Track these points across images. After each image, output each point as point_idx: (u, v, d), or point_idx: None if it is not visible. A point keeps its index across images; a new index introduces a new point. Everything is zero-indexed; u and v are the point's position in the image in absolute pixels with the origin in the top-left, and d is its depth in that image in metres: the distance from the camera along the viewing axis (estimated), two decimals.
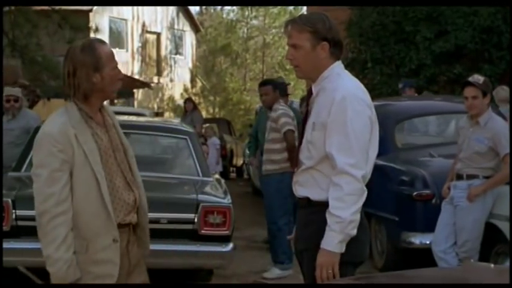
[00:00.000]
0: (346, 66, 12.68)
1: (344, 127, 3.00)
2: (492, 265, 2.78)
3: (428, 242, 6.07)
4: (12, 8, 13.46)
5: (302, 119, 3.30)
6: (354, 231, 3.01)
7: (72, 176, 3.00)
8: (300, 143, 3.22)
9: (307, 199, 3.12)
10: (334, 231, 2.97)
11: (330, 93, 3.08)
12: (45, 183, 2.98)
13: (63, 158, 2.98)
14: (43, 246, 3.00)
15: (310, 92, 3.24)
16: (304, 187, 3.15)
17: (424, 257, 5.87)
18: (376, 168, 8.23)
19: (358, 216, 3.01)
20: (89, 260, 3.03)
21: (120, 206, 3.10)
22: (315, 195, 3.11)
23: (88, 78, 3.02)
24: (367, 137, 3.07)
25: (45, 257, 3.00)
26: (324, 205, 3.05)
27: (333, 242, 2.99)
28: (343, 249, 3.00)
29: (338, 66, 3.18)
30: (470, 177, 5.58)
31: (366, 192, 3.05)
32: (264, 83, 7.38)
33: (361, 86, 3.20)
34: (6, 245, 5.35)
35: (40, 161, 3.02)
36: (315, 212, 3.09)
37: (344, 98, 3.03)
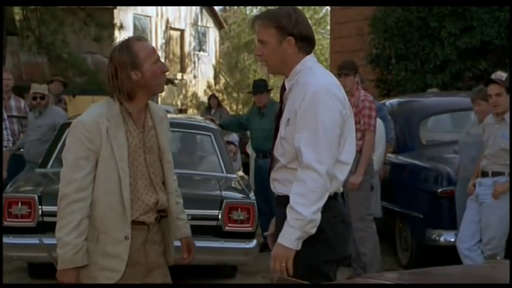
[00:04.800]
0: (370, 62, 12.59)
1: (313, 122, 2.94)
2: None
3: (453, 240, 6.04)
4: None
5: (276, 115, 3.21)
6: (313, 230, 2.92)
7: (97, 166, 3.05)
8: (275, 139, 3.14)
9: (286, 197, 3.04)
10: (293, 227, 2.91)
11: (302, 87, 3.02)
12: (70, 168, 3.05)
13: (89, 147, 3.02)
14: (57, 228, 3.06)
15: (283, 88, 3.17)
16: (283, 185, 3.08)
17: (449, 255, 5.84)
18: (401, 165, 8.14)
19: (319, 216, 2.92)
20: (98, 251, 3.08)
21: (137, 205, 3.10)
22: None
23: (129, 77, 3.03)
24: (337, 133, 2.99)
25: (57, 239, 3.05)
26: None
27: (291, 238, 2.93)
28: (299, 247, 2.93)
29: (310, 60, 3.11)
30: (496, 174, 5.54)
31: (328, 192, 2.96)
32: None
33: (335, 80, 3.13)
34: (31, 240, 5.42)
35: (69, 145, 3.09)
36: None
37: (315, 92, 2.96)
